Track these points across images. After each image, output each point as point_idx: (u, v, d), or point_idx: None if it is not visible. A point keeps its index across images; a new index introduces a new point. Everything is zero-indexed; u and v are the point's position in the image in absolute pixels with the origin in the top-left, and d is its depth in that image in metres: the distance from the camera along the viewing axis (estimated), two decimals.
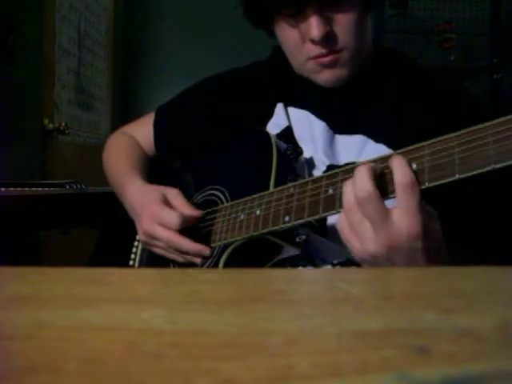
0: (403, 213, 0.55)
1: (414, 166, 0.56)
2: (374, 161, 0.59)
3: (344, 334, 0.23)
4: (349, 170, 0.62)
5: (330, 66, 0.77)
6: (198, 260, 0.81)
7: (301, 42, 0.77)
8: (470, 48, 2.73)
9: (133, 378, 0.18)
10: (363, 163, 0.59)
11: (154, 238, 0.81)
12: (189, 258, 0.81)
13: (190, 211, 0.80)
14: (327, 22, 0.74)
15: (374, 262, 0.58)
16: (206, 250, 0.80)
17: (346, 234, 0.59)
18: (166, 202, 0.82)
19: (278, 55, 0.92)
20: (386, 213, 0.55)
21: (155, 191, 0.84)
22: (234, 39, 2.65)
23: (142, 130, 1.05)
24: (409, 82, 0.85)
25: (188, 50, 2.78)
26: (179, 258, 0.82)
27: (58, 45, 2.03)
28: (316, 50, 0.76)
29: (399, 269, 0.57)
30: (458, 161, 0.52)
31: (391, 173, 0.56)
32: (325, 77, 0.79)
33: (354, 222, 0.57)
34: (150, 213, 0.80)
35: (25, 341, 0.22)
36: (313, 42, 0.75)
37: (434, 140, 0.55)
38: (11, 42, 1.65)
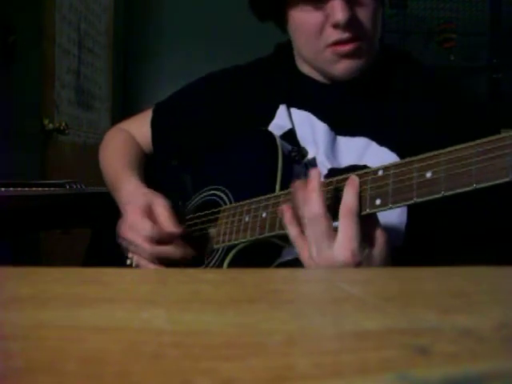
0: (343, 238, 0.59)
1: (429, 174, 0.55)
2: (336, 179, 0.64)
3: (344, 334, 0.23)
4: (357, 176, 0.63)
5: (349, 55, 0.75)
6: (170, 250, 0.80)
7: (320, 27, 0.75)
8: (469, 48, 2.73)
9: (133, 378, 0.18)
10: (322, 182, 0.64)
11: (128, 242, 0.81)
12: (159, 252, 0.80)
13: (170, 227, 0.80)
14: (351, 6, 0.73)
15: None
16: (177, 230, 0.79)
17: (294, 240, 0.64)
18: (149, 212, 0.81)
19: (281, 53, 0.91)
20: (330, 237, 0.60)
21: (143, 197, 0.83)
22: (234, 39, 2.65)
23: (140, 127, 1.03)
24: (415, 82, 0.83)
25: (188, 49, 2.78)
26: (152, 264, 0.81)
27: (58, 45, 2.03)
28: (337, 35, 0.74)
29: (399, 269, 0.57)
30: (475, 171, 0.52)
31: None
32: (341, 67, 0.77)
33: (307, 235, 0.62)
34: (129, 219, 0.81)
35: (25, 341, 0.22)
36: (335, 26, 0.73)
37: (451, 148, 0.55)
38: (11, 42, 1.65)
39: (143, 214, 0.80)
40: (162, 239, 0.79)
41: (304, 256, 0.63)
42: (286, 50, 0.90)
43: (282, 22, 0.81)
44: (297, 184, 0.64)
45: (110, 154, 1.01)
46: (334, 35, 0.74)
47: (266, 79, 0.91)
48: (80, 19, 2.27)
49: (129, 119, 1.08)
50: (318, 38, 0.76)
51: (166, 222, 0.80)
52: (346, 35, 0.74)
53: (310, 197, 0.61)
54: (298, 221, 0.63)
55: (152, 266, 0.81)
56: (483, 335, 0.22)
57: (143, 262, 0.82)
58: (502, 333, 0.23)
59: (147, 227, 0.78)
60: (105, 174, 1.00)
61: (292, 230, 0.64)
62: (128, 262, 0.93)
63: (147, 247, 0.79)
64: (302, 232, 0.63)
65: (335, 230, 0.60)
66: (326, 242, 0.60)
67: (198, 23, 2.77)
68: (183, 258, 0.81)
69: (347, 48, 0.75)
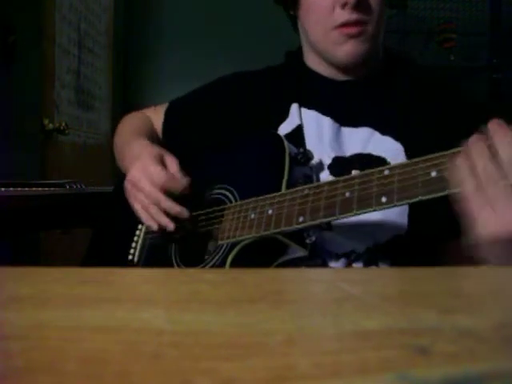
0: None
1: (434, 173, 0.57)
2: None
3: (344, 334, 0.23)
4: (363, 175, 0.64)
5: (355, 36, 0.79)
6: (171, 225, 0.81)
7: (330, 8, 0.79)
8: (469, 48, 2.73)
9: (133, 378, 0.18)
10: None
11: (137, 188, 0.82)
12: (165, 221, 0.81)
13: (180, 175, 0.82)
14: None
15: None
16: (184, 213, 0.81)
17: (471, 196, 0.55)
18: (161, 160, 0.83)
19: (292, 59, 0.95)
20: None
21: (157, 148, 0.86)
22: (235, 39, 2.65)
23: (155, 115, 1.06)
24: (415, 83, 0.86)
25: (188, 50, 2.78)
26: (154, 224, 0.82)
27: (58, 45, 2.03)
28: (345, 15, 0.78)
29: (399, 269, 0.57)
30: None
31: None
32: (346, 49, 0.80)
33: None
34: (141, 164, 0.82)
35: (25, 341, 0.22)
36: (344, 5, 0.77)
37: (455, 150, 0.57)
38: (11, 42, 1.65)
39: (156, 161, 0.82)
40: (170, 185, 0.81)
41: (484, 215, 0.54)
42: (295, 55, 0.95)
43: (293, 5, 0.85)
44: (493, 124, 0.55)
45: (124, 129, 1.03)
46: (343, 16, 0.78)
47: (278, 82, 0.94)
48: (80, 19, 2.27)
49: (146, 109, 1.11)
50: (327, 18, 0.80)
51: (176, 170, 0.82)
52: (354, 16, 0.77)
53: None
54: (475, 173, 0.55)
55: (152, 210, 0.82)
56: (483, 335, 0.22)
57: (146, 216, 0.83)
58: (502, 333, 0.23)
59: (159, 171, 0.80)
60: (117, 141, 1.02)
61: (469, 184, 0.54)
62: (130, 257, 0.93)
63: (154, 190, 0.80)
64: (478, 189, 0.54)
65: None
66: None
67: (198, 23, 2.77)
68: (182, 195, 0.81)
69: (354, 30, 0.78)
